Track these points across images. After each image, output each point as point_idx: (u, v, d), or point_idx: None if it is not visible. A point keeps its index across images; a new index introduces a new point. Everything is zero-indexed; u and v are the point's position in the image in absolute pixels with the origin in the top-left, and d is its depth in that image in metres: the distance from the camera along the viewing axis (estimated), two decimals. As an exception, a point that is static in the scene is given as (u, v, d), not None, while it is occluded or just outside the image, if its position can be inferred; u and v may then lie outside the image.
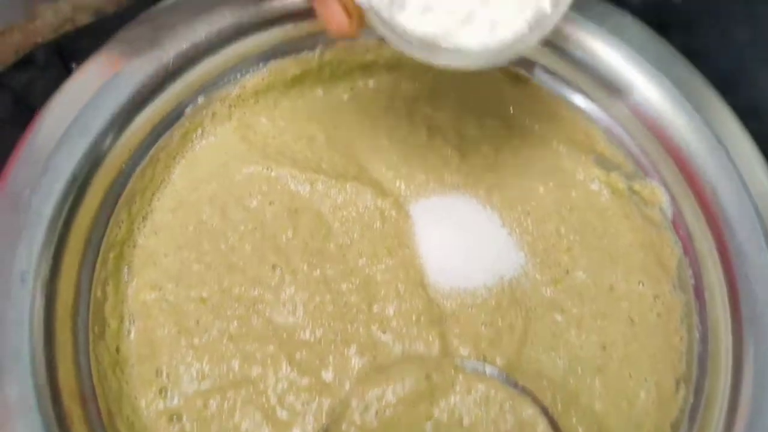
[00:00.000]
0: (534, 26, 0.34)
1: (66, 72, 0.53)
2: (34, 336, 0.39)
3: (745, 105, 0.57)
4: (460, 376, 0.43)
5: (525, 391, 0.41)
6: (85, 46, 0.53)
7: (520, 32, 0.34)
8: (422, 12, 0.34)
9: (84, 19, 0.54)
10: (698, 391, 0.42)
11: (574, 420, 0.43)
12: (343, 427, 0.41)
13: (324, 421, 0.42)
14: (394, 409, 0.42)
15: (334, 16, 0.34)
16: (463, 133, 0.51)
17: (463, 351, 0.44)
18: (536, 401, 0.40)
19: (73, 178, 0.42)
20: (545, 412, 0.40)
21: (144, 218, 0.47)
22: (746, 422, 0.38)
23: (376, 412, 0.42)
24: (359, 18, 0.34)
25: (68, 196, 0.42)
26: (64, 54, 0.54)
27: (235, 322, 0.44)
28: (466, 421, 0.41)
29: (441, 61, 0.35)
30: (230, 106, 0.49)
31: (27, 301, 0.39)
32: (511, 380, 0.42)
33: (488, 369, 0.43)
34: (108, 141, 0.44)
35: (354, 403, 0.42)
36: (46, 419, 0.38)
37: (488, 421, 0.41)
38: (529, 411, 0.40)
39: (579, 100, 0.49)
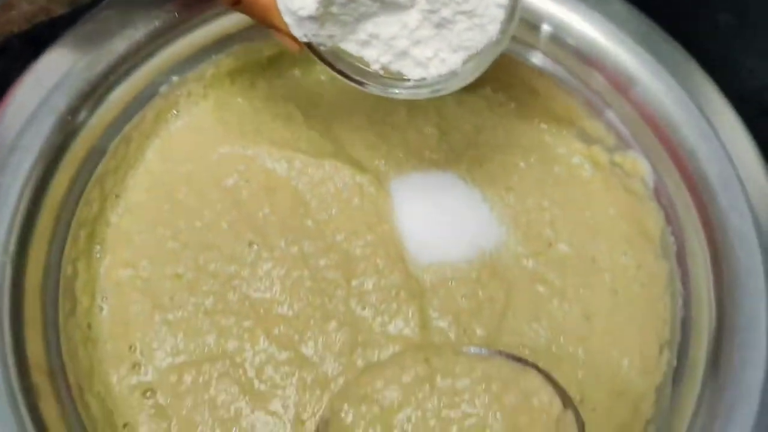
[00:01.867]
0: (468, 63, 0.37)
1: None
2: (2, 311, 0.38)
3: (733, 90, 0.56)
4: (462, 359, 0.41)
5: (528, 364, 0.40)
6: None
7: (455, 68, 0.37)
8: (362, 45, 0.37)
9: (59, 9, 0.54)
10: (681, 355, 0.41)
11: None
12: (343, 414, 0.40)
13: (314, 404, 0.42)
14: (395, 395, 0.40)
15: (284, 42, 0.38)
16: (443, 113, 0.51)
17: (443, 324, 0.43)
18: (541, 371, 0.39)
19: (42, 156, 0.42)
20: (551, 380, 0.39)
21: (117, 197, 0.46)
22: (729, 380, 0.38)
23: (377, 400, 0.40)
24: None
25: (36, 174, 0.41)
26: (39, 44, 0.54)
27: (211, 298, 0.43)
28: (468, 399, 0.39)
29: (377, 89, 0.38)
30: (205, 86, 0.49)
31: (-6, 275, 0.39)
32: (513, 355, 0.41)
33: (489, 351, 0.41)
34: (78, 119, 0.43)
35: (354, 391, 0.41)
36: (12, 393, 0.37)
37: (491, 396, 0.39)
38: (534, 381, 0.39)
39: (558, 73, 0.48)
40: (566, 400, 0.38)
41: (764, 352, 0.38)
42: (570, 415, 0.37)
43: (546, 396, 0.38)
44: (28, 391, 0.37)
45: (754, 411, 0.37)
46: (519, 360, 0.40)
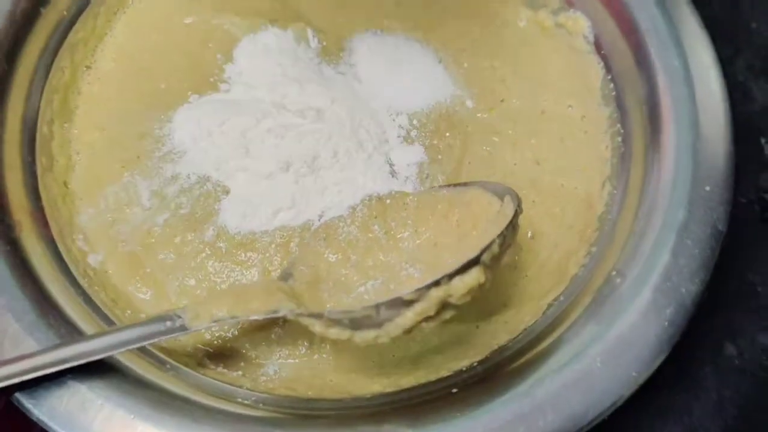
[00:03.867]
0: None
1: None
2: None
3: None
4: (412, 196, 0.44)
5: (470, 184, 0.43)
6: None
7: None
8: None
9: None
10: (620, 186, 0.45)
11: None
12: (307, 251, 0.43)
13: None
14: (353, 230, 0.43)
15: None
16: (399, -14, 0.53)
17: (406, 171, 0.46)
18: (480, 184, 0.42)
19: (14, 18, 0.44)
20: (488, 187, 0.41)
21: (87, 67, 0.48)
22: (660, 197, 0.41)
23: (336, 237, 0.43)
24: None
25: (9, 34, 0.43)
26: None
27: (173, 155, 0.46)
28: (418, 222, 0.42)
29: None
30: (168, -35, 0.51)
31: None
32: (458, 184, 0.44)
33: (439, 187, 0.44)
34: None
35: (316, 235, 0.44)
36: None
37: (439, 216, 0.42)
38: (473, 192, 0.41)
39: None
40: (503, 194, 0.40)
41: (689, 171, 0.41)
42: (507, 201, 0.39)
43: (484, 198, 0.40)
44: (11, 227, 0.40)
45: (680, 220, 0.40)
46: (464, 185, 0.43)
